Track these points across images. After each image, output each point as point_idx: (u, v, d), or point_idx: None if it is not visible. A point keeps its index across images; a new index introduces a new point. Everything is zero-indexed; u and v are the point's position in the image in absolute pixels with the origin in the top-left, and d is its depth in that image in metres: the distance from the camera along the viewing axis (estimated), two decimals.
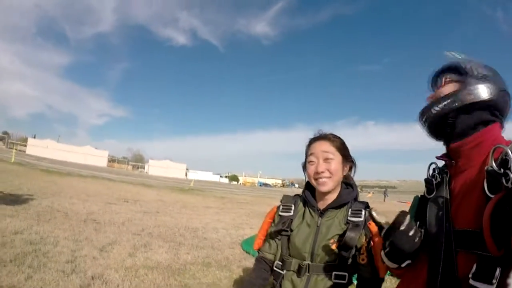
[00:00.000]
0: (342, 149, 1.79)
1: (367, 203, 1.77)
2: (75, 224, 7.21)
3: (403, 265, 1.23)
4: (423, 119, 1.31)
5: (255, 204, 20.44)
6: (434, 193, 1.27)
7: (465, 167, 1.18)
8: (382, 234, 1.29)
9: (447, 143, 1.26)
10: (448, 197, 1.18)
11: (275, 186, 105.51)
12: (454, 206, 1.14)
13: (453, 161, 1.25)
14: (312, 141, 1.83)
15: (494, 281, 0.89)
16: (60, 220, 7.33)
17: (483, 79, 1.18)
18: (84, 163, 53.50)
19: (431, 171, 1.36)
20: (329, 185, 1.72)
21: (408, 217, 1.16)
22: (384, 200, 41.03)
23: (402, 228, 1.15)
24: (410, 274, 1.24)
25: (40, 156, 44.37)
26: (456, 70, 1.28)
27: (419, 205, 1.35)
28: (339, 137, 1.82)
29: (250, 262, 5.95)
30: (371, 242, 1.66)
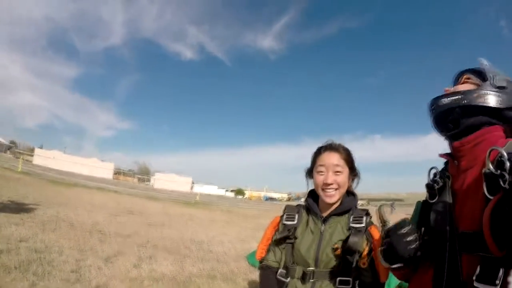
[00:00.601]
0: (350, 161, 1.83)
1: (367, 210, 1.81)
2: (80, 234, 7.18)
3: (393, 266, 1.24)
4: (432, 108, 1.33)
5: (261, 218, 20.34)
6: (437, 197, 1.28)
7: (466, 167, 1.20)
8: (383, 232, 1.31)
9: (450, 142, 1.29)
10: (451, 201, 1.19)
11: (281, 200, 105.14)
12: (457, 209, 1.15)
13: (455, 161, 1.27)
14: (322, 150, 1.85)
15: (497, 281, 0.90)
16: (65, 230, 7.31)
17: (499, 89, 1.20)
18: (90, 174, 53.59)
19: (431, 176, 1.37)
20: (335, 197, 1.76)
21: (410, 224, 1.20)
22: (391, 213, 40.66)
23: (402, 231, 1.18)
24: (417, 279, 1.25)
25: (46, 167, 44.58)
26: (478, 74, 1.30)
27: (422, 211, 1.36)
28: (348, 149, 1.86)
29: (255, 275, 5.89)
30: (372, 247, 1.68)
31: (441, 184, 1.28)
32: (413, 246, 1.16)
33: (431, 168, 1.38)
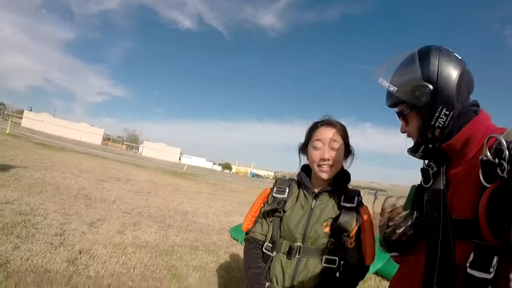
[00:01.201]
0: (346, 137, 1.81)
1: (359, 191, 1.79)
2: (66, 198, 7.20)
3: (391, 254, 1.27)
4: (415, 157, 1.35)
5: (246, 193, 20.49)
6: (431, 182, 1.27)
7: (459, 161, 1.18)
8: (384, 221, 1.32)
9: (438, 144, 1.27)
10: (445, 187, 1.18)
11: (267, 178, 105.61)
12: (450, 196, 1.14)
13: (449, 156, 1.25)
14: (319, 125, 1.81)
15: (491, 269, 0.90)
16: (51, 193, 7.31)
17: (426, 102, 1.18)
18: (79, 139, 53.24)
19: (427, 161, 1.37)
20: (331, 173, 1.74)
21: (412, 220, 1.20)
22: (374, 202, 41.12)
23: (404, 224, 1.19)
24: (408, 264, 1.26)
25: (35, 130, 44.06)
26: (402, 101, 1.28)
27: (416, 195, 1.36)
28: (344, 125, 1.83)
29: (237, 248, 6.01)
30: (361, 228, 1.70)
31: (435, 169, 1.29)
32: (411, 241, 1.18)
33: None
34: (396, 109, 1.35)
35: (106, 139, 78.11)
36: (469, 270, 0.95)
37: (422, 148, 1.26)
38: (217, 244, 6.16)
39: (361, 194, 1.80)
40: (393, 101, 1.31)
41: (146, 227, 6.30)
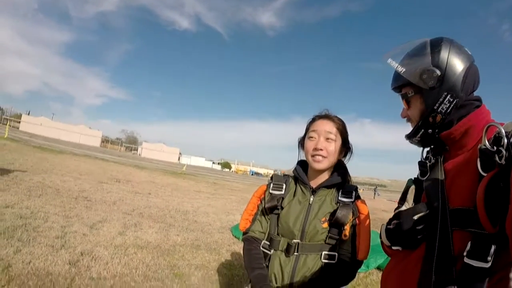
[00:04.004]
0: (344, 132, 1.80)
1: (356, 186, 1.80)
2: (66, 200, 7.20)
3: (393, 247, 1.24)
4: (411, 143, 1.35)
5: (246, 191, 20.49)
6: (428, 174, 1.28)
7: (457, 152, 1.19)
8: (394, 212, 1.30)
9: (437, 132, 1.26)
10: (443, 177, 1.19)
11: (267, 176, 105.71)
12: (448, 185, 1.15)
13: (446, 147, 1.25)
14: (317, 118, 1.82)
15: (489, 258, 0.90)
16: (51, 196, 7.31)
17: (433, 86, 1.18)
18: (78, 142, 53.22)
19: (425, 153, 1.38)
20: (324, 164, 1.72)
21: (425, 211, 1.16)
22: (374, 198, 41.25)
23: (415, 217, 1.15)
24: (403, 252, 1.24)
25: (33, 133, 44.00)
26: (407, 84, 1.28)
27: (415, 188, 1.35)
28: (343, 121, 1.82)
29: (238, 247, 6.01)
30: (357, 220, 1.69)
31: (433, 161, 1.29)
32: (420, 235, 1.15)
33: None
34: (400, 93, 1.34)
35: (105, 141, 78.02)
36: (466, 260, 0.95)
37: (421, 132, 1.26)
38: (218, 243, 6.17)
39: (359, 189, 1.79)
40: (400, 82, 1.31)
41: (147, 228, 6.30)
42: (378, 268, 5.83)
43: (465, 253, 0.96)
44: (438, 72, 1.16)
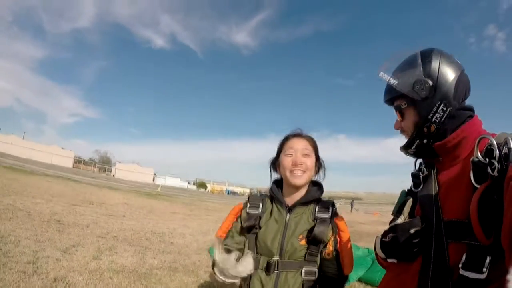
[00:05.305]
0: (317, 149, 1.87)
1: (333, 201, 1.83)
2: (37, 224, 6.98)
3: (389, 260, 1.25)
4: (407, 155, 1.36)
5: (222, 211, 20.31)
6: (422, 186, 1.31)
7: (451, 163, 1.21)
8: (390, 225, 1.30)
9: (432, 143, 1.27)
10: (437, 190, 1.20)
11: (243, 194, 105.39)
12: (442, 198, 1.16)
13: (439, 158, 1.27)
14: (290, 137, 1.86)
15: (484, 269, 0.91)
16: (22, 220, 7.07)
17: (426, 96, 1.21)
18: (50, 162, 51.89)
19: (417, 165, 1.41)
20: (303, 179, 1.75)
21: (420, 225, 1.17)
22: (351, 211, 41.65)
23: (412, 231, 1.16)
24: (400, 265, 1.25)
25: (3, 152, 42.67)
26: (400, 96, 1.30)
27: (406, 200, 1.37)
28: (314, 139, 1.88)
29: None
30: (338, 238, 1.72)
31: (426, 173, 1.31)
32: (416, 249, 1.16)
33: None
34: (393, 105, 1.37)
35: (78, 161, 76.33)
36: (461, 272, 0.96)
37: (416, 143, 1.28)
38: (196, 264, 6.10)
39: (336, 203, 1.81)
40: (392, 95, 1.34)
41: (123, 251, 6.17)
42: (359, 280, 5.97)
43: (460, 265, 0.97)
44: (430, 82, 1.20)
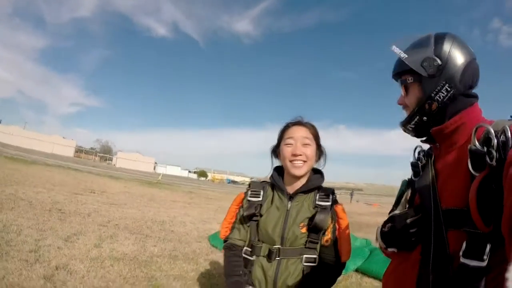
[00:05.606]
0: (317, 137, 1.87)
1: (333, 189, 1.84)
2: (39, 213, 7.04)
3: (389, 249, 1.28)
4: (405, 131, 1.37)
5: (223, 200, 20.42)
6: (421, 174, 1.32)
7: (448, 149, 1.22)
8: (389, 215, 1.33)
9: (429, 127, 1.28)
10: (435, 178, 1.21)
11: (243, 183, 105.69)
12: (440, 186, 1.17)
13: (437, 144, 1.29)
14: (290, 125, 1.87)
15: (485, 257, 0.91)
16: (24, 209, 7.13)
17: (432, 74, 1.21)
18: (51, 152, 51.94)
19: (416, 154, 1.42)
20: (303, 169, 1.78)
21: (416, 215, 1.20)
22: (350, 202, 41.68)
23: (408, 221, 1.20)
24: (401, 254, 1.27)
25: (5, 143, 42.72)
26: (407, 71, 1.31)
27: (407, 189, 1.39)
28: (315, 126, 1.89)
29: (217, 256, 6.01)
30: (337, 225, 1.75)
31: (424, 162, 1.33)
32: (414, 238, 1.18)
33: (416, 147, 1.43)
34: (399, 79, 1.38)
35: (79, 150, 76.40)
36: (462, 260, 0.96)
37: (416, 119, 1.29)
38: (196, 252, 6.16)
39: (336, 193, 1.84)
40: (400, 69, 1.35)
41: (123, 239, 6.23)
42: (357, 270, 5.98)
43: (461, 253, 0.97)
44: (439, 61, 1.20)
